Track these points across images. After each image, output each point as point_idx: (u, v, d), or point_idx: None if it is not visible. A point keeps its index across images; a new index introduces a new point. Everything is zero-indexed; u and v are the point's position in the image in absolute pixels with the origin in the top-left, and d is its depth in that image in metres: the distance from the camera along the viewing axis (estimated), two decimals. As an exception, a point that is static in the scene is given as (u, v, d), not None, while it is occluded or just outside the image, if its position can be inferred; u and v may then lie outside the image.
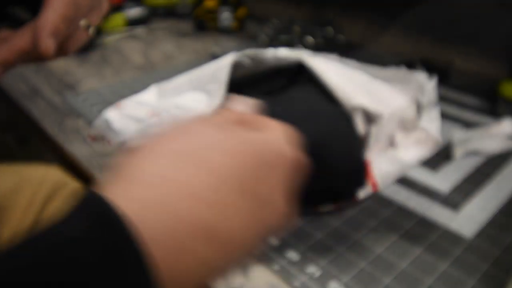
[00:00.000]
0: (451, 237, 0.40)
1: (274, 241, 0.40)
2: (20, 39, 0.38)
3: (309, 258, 0.38)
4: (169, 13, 1.12)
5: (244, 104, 0.36)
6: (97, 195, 0.19)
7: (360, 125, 0.48)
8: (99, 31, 0.96)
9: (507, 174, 0.49)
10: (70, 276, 0.16)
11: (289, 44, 0.88)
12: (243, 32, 1.01)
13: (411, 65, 0.74)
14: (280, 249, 0.39)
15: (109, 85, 0.72)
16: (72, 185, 0.52)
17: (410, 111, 0.45)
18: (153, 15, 1.12)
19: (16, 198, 0.48)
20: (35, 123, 0.63)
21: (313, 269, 0.37)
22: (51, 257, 0.16)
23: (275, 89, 0.51)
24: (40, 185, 0.50)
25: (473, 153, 0.53)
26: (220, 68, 0.45)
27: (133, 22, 1.03)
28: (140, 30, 1.00)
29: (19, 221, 0.47)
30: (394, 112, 0.45)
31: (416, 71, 0.45)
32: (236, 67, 0.49)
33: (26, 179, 0.50)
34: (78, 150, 0.55)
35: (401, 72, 0.47)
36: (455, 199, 0.46)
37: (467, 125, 0.60)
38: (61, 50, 0.41)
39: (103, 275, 0.17)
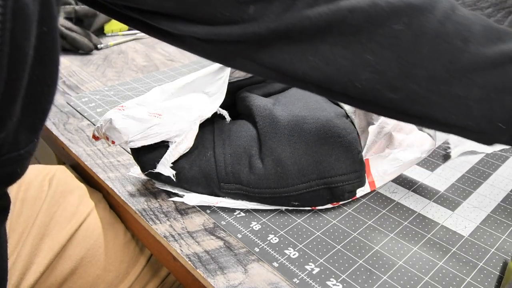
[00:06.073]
0: (447, 235, 0.41)
1: (273, 238, 0.41)
2: None
3: (308, 255, 0.39)
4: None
5: None
6: None
7: (358, 125, 0.49)
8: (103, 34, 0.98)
9: (502, 174, 0.50)
10: None
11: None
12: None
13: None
14: (279, 246, 0.40)
15: (112, 87, 0.73)
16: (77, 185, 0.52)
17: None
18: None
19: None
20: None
21: (312, 266, 0.38)
22: None
23: (275, 90, 0.51)
24: (45, 185, 0.50)
25: (469, 153, 0.54)
26: (221, 70, 0.46)
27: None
28: (142, 33, 1.01)
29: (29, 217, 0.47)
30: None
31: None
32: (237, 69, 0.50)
33: (31, 179, 0.51)
34: (82, 150, 0.55)
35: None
36: (451, 198, 0.46)
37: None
38: None
39: None
